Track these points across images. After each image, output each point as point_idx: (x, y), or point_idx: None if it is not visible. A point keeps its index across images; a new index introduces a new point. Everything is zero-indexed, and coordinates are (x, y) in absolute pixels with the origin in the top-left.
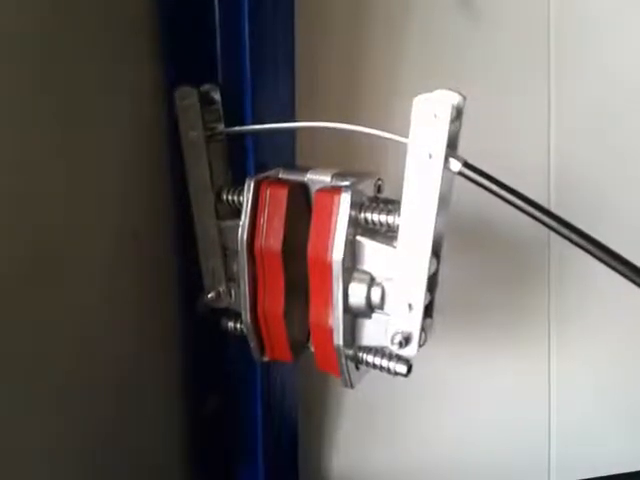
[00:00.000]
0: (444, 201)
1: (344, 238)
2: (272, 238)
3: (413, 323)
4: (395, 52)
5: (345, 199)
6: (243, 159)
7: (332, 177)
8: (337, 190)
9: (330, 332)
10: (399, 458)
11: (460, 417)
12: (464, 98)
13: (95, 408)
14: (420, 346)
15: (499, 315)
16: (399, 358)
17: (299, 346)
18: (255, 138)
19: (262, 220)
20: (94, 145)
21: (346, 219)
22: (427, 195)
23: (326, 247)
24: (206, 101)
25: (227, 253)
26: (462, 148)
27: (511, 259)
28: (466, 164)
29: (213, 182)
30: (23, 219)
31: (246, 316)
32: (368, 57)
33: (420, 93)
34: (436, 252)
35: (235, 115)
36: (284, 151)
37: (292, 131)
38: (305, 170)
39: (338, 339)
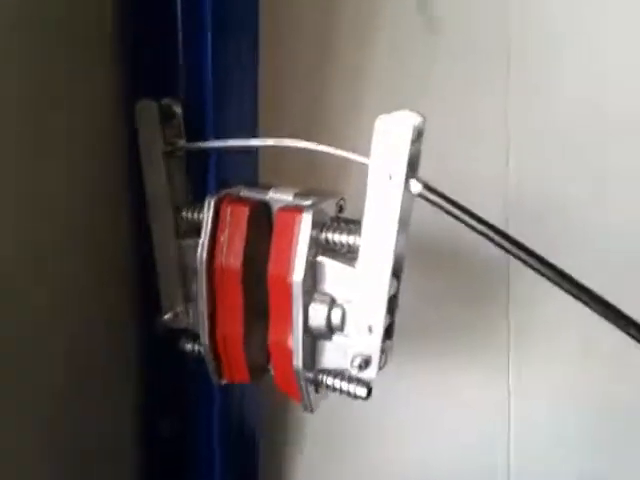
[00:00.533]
0: (404, 222)
1: (305, 259)
2: (232, 258)
3: (373, 345)
4: (360, 68)
5: (306, 219)
6: (204, 176)
7: (294, 196)
8: (299, 210)
9: (290, 354)
10: None
11: (422, 438)
12: (424, 119)
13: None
14: (380, 368)
15: (459, 334)
16: (359, 381)
17: (259, 368)
18: (217, 154)
19: (222, 239)
20: (49, 161)
21: (307, 239)
22: (387, 216)
23: (286, 267)
24: (167, 115)
25: (186, 272)
26: (422, 167)
27: (471, 278)
28: (426, 186)
29: (173, 199)
30: None
31: (204, 338)
32: (333, 73)
33: (385, 111)
34: (396, 273)
35: (196, 130)
36: (246, 168)
37: (255, 148)
38: (267, 188)
39: (297, 361)
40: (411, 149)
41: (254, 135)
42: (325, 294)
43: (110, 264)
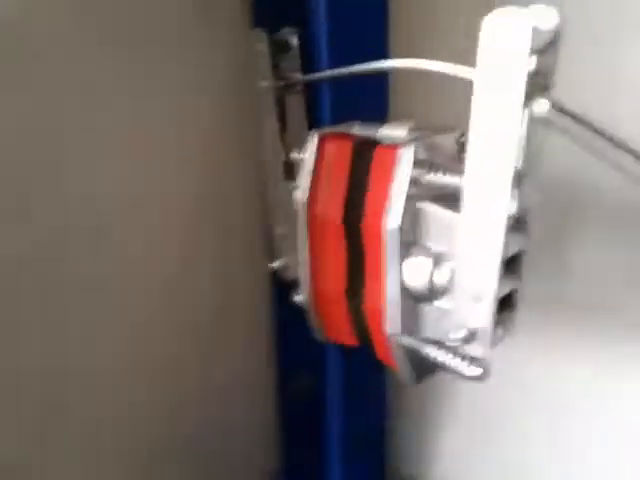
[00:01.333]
0: (529, 157)
1: (402, 203)
2: (332, 203)
3: (481, 317)
4: None
5: (407, 155)
6: (320, 113)
7: (409, 131)
8: (398, 145)
9: (382, 316)
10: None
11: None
12: (560, 20)
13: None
14: (494, 345)
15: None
16: (473, 358)
17: (364, 330)
18: (332, 90)
19: (324, 182)
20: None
21: (406, 179)
22: (500, 149)
23: (382, 214)
24: (282, 47)
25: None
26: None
27: None
28: (556, 107)
29: (285, 139)
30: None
31: (304, 291)
32: None
33: None
34: (520, 224)
35: (315, 64)
36: (374, 108)
37: (383, 84)
38: (382, 125)
39: (389, 326)
40: (539, 60)
41: (384, 89)
42: (429, 249)
43: (235, 214)
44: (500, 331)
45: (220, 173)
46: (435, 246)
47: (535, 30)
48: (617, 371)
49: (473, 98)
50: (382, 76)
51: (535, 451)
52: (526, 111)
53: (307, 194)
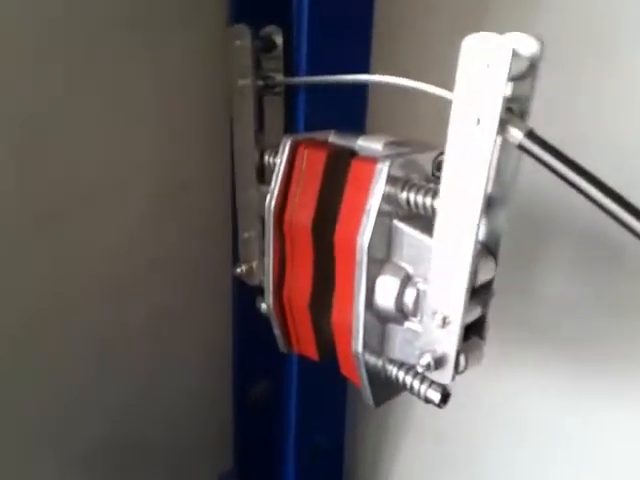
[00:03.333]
0: (503, 183)
1: (374, 219)
2: (303, 210)
3: (447, 342)
4: None
5: (382, 171)
6: (294, 117)
7: (384, 145)
8: (376, 159)
9: (350, 333)
10: None
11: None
12: (540, 45)
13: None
14: (458, 372)
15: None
16: (436, 383)
17: (329, 344)
18: (308, 93)
19: (295, 188)
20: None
21: (380, 196)
22: (472, 173)
23: (355, 229)
24: (266, 45)
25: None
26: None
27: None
28: (531, 134)
29: (260, 140)
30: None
31: (269, 299)
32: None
33: None
34: (491, 251)
35: (295, 67)
36: (352, 116)
37: (362, 95)
38: (359, 136)
39: (357, 344)
40: (516, 86)
41: (363, 97)
42: (399, 267)
43: (201, 201)
44: (464, 359)
45: (186, 171)
46: (407, 266)
47: (515, 55)
48: (582, 400)
49: (450, 120)
50: (361, 87)
51: (494, 471)
52: (499, 137)
53: (277, 200)
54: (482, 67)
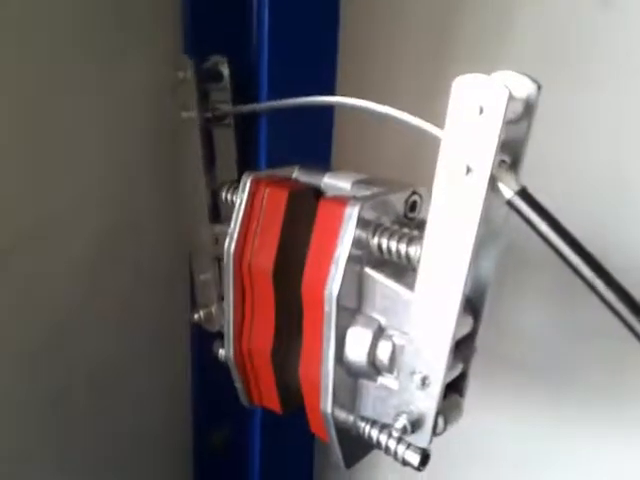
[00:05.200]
0: (491, 236)
1: (343, 266)
2: (263, 253)
3: (426, 403)
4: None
5: (351, 215)
6: (255, 151)
7: (353, 184)
8: (345, 201)
9: (319, 390)
10: None
11: None
12: (538, 87)
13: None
14: (436, 435)
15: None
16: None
17: (295, 398)
18: (268, 125)
19: (255, 229)
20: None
21: (349, 241)
22: (459, 226)
23: (323, 276)
24: (212, 76)
25: (222, 265)
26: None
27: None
28: (522, 193)
29: (211, 176)
30: None
31: (229, 348)
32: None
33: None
34: (473, 307)
35: (252, 98)
36: (318, 148)
37: (328, 127)
38: (325, 172)
39: (325, 403)
40: (510, 130)
41: (328, 130)
42: (372, 319)
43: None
44: (443, 420)
45: (136, 208)
46: (380, 317)
47: (510, 98)
48: (554, 431)
49: (437, 167)
50: (326, 115)
51: None
52: (490, 192)
53: (237, 243)
54: (474, 111)
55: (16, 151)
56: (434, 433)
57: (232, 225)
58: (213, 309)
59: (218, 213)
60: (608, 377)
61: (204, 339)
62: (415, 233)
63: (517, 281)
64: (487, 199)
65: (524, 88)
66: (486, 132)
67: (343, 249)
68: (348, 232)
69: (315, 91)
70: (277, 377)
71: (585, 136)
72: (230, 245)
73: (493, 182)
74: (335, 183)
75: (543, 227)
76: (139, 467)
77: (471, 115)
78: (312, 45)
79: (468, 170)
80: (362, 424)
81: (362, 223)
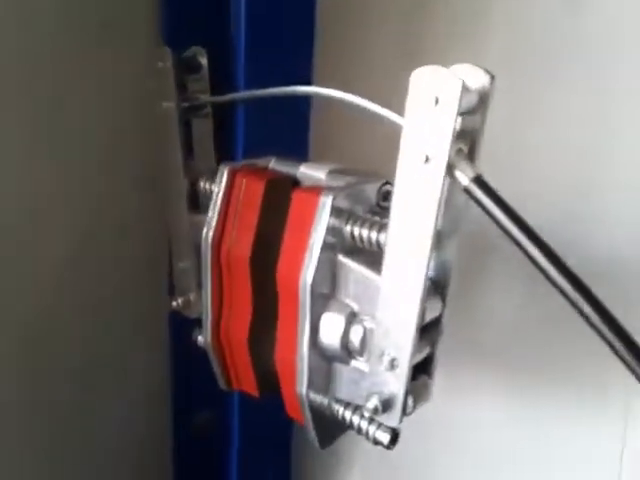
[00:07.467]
0: (452, 222)
1: (318, 254)
2: (241, 242)
3: (395, 384)
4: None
5: (325, 204)
6: (232, 141)
7: (327, 174)
8: (319, 191)
9: (294, 373)
10: None
11: None
12: (492, 78)
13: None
14: (406, 414)
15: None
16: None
17: (271, 382)
18: (246, 114)
19: (232, 219)
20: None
21: (323, 230)
22: (419, 212)
23: (297, 264)
24: (190, 67)
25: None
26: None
27: None
28: (477, 180)
29: (190, 166)
30: None
31: (207, 335)
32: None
33: None
34: (438, 290)
35: (230, 88)
36: (293, 140)
37: (304, 117)
38: (301, 163)
39: (301, 385)
40: (465, 121)
41: (305, 120)
42: (345, 305)
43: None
44: (412, 400)
45: (116, 199)
46: (352, 303)
47: (464, 89)
48: (529, 415)
49: (399, 156)
50: (303, 106)
51: None
52: (448, 179)
53: (215, 232)
54: (431, 102)
55: None
56: (404, 413)
57: (210, 213)
58: (192, 296)
59: (197, 202)
60: (577, 361)
61: (182, 326)
62: (386, 221)
63: (485, 267)
64: (445, 186)
65: (479, 80)
66: (442, 122)
67: (317, 237)
68: (322, 221)
69: (292, 82)
70: (254, 362)
71: (555, 134)
72: (208, 233)
73: (450, 170)
74: (311, 173)
75: (497, 213)
76: (117, 451)
77: (428, 106)
78: (289, 35)
79: (427, 159)
80: (336, 406)
81: (336, 212)
